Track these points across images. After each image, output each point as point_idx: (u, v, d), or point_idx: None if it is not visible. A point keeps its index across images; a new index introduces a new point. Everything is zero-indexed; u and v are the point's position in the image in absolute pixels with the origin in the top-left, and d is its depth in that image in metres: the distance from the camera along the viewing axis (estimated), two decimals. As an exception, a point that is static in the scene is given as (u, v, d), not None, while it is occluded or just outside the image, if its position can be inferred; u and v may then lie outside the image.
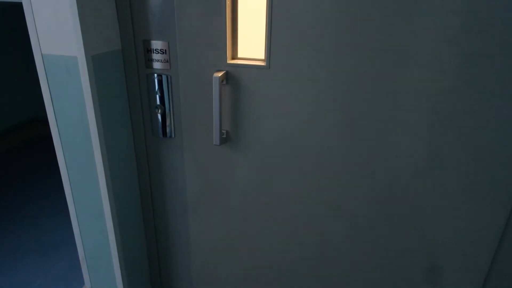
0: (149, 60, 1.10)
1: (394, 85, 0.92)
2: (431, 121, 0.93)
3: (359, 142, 1.00)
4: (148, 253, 1.40)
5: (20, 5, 0.96)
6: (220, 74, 1.00)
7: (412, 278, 1.13)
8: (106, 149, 1.07)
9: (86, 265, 1.28)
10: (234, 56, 1.06)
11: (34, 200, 2.55)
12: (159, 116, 1.16)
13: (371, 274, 1.17)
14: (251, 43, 1.03)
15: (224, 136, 1.11)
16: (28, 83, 3.40)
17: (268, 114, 1.05)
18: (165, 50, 1.08)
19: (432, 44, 0.86)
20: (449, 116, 0.91)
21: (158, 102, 1.15)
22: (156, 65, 1.10)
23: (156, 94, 1.14)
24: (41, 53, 0.97)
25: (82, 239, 1.24)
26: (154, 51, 1.09)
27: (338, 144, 1.02)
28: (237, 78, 1.04)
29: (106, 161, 1.08)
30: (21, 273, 1.89)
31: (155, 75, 1.11)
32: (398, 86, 0.92)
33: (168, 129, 1.17)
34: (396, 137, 0.97)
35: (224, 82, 1.05)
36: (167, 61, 1.09)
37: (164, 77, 1.11)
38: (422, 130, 0.94)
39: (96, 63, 0.98)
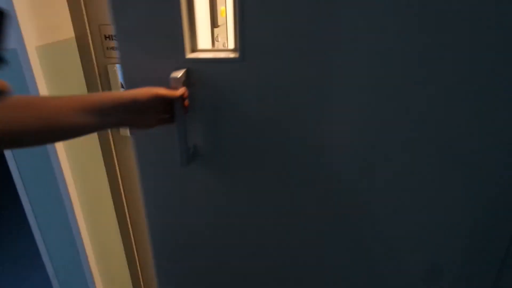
0: (109, 49, 0.96)
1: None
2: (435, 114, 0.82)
3: (351, 142, 0.84)
4: (128, 262, 1.28)
5: None
6: (179, 74, 0.68)
7: (416, 281, 1.04)
8: (65, 151, 0.94)
9: (57, 282, 1.16)
10: (194, 48, 0.73)
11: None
12: (125, 112, 1.03)
13: (370, 273, 1.08)
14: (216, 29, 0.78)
15: (192, 151, 0.77)
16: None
17: (246, 118, 0.75)
18: (126, 36, 0.94)
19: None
20: (458, 113, 0.81)
21: (122, 96, 1.01)
22: (118, 54, 0.96)
23: (121, 88, 1.00)
24: (-26, 46, 0.82)
25: (49, 253, 1.11)
26: (114, 38, 0.95)
27: (331, 146, 0.88)
28: (201, 76, 0.71)
29: (66, 165, 0.95)
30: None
31: (117, 66, 0.97)
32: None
33: (136, 126, 1.04)
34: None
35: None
36: (129, 49, 0.95)
37: (127, 68, 0.97)
38: (429, 124, 0.84)
39: (42, 55, 0.84)
